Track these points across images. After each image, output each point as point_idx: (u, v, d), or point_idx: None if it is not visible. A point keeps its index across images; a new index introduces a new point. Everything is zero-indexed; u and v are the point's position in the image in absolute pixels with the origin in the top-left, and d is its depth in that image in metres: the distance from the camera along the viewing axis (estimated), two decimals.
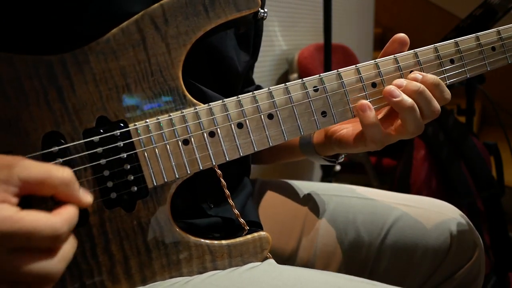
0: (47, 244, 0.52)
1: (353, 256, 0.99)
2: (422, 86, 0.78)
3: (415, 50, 0.84)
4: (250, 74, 1.09)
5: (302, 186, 1.14)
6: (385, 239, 0.97)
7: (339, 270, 0.99)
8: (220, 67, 0.88)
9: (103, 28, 0.70)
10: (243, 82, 1.03)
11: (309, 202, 1.08)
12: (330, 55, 2.19)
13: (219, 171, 0.78)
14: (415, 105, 0.77)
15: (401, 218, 0.98)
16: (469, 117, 2.19)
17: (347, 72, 0.80)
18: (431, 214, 0.98)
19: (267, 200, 1.11)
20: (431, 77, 0.80)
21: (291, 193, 1.12)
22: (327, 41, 2.18)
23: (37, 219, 0.51)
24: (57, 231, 0.53)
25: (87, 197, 0.59)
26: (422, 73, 0.81)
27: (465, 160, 2.01)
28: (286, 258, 1.03)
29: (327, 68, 2.20)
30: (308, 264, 1.02)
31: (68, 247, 0.56)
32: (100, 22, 0.71)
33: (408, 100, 0.77)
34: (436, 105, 0.80)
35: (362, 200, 1.05)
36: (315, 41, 2.63)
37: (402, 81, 0.79)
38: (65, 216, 0.55)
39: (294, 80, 0.78)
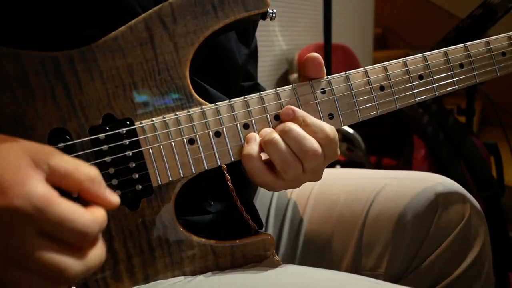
0: (74, 239, 0.51)
1: (338, 237, 0.98)
2: (288, 126, 0.73)
3: (424, 53, 0.84)
4: (249, 68, 1.08)
5: None
6: (368, 214, 0.96)
7: (324, 254, 0.98)
8: (221, 60, 0.88)
9: (111, 25, 0.70)
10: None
11: (293, 192, 1.07)
12: (330, 55, 2.20)
13: (224, 165, 0.78)
14: (275, 139, 0.72)
15: (383, 190, 0.97)
16: (469, 117, 2.19)
17: (355, 75, 0.80)
18: (414, 183, 0.97)
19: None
20: (301, 114, 0.75)
21: None
22: (327, 41, 2.18)
23: (74, 209, 0.51)
24: (88, 227, 0.51)
25: (113, 197, 0.57)
26: (295, 108, 0.75)
27: (465, 160, 2.01)
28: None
29: (327, 68, 2.20)
30: (294, 252, 1.01)
31: (95, 256, 0.54)
32: (108, 19, 0.71)
33: (269, 135, 0.73)
34: (308, 144, 0.73)
35: (344, 180, 1.04)
36: (315, 41, 2.64)
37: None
38: (97, 216, 0.54)
39: (294, 80, 0.78)
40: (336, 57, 2.51)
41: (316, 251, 0.99)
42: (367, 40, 4.28)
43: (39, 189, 0.49)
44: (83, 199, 0.55)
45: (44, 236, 0.49)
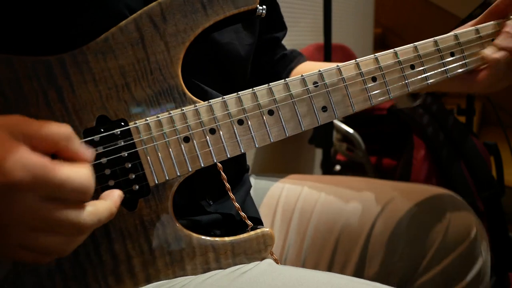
0: (76, 196, 0.53)
1: (342, 245, 0.98)
2: None
3: (415, 43, 0.84)
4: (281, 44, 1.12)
5: (293, 181, 1.14)
6: (374, 225, 0.96)
7: (331, 263, 0.98)
8: (220, 56, 0.88)
9: (101, 27, 0.70)
10: (278, 51, 1.06)
11: (301, 196, 1.07)
12: (330, 55, 2.19)
13: (219, 164, 0.78)
14: None
15: (391, 203, 0.97)
16: (469, 117, 2.19)
17: (347, 67, 0.80)
18: (422, 197, 0.97)
19: (260, 198, 1.11)
20: None
21: (281, 188, 1.12)
22: (327, 41, 2.18)
23: (69, 170, 0.53)
24: (87, 183, 0.54)
25: (89, 151, 0.58)
26: None
27: (465, 160, 2.00)
28: (277, 255, 1.02)
29: None
30: (300, 260, 1.01)
31: (103, 206, 0.58)
32: (96, 23, 0.71)
33: None
34: None
35: (352, 188, 1.04)
36: (315, 41, 2.63)
37: None
38: (88, 170, 0.56)
39: None
40: (336, 57, 2.51)
41: (319, 258, 0.99)
42: (367, 40, 4.28)
43: (33, 158, 0.50)
44: (61, 157, 0.56)
45: (50, 200, 0.52)
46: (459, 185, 1.92)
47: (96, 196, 0.59)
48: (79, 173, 0.53)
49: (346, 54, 2.76)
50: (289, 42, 2.49)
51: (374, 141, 2.41)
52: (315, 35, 2.76)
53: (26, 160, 0.50)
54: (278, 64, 1.09)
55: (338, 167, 2.48)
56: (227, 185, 0.80)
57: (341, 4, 3.39)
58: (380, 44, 5.49)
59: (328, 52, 2.20)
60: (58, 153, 0.56)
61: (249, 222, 0.81)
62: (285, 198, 1.08)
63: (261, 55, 1.05)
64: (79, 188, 0.53)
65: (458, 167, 1.96)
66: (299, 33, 2.66)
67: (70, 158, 0.56)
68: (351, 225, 0.98)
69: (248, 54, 0.94)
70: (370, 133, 2.35)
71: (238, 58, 0.90)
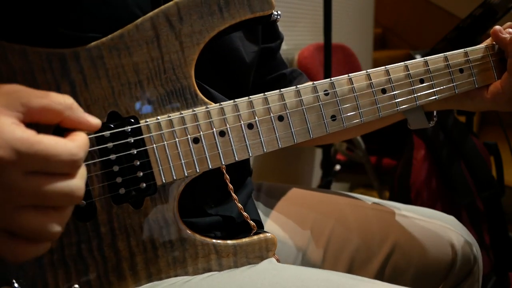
0: (65, 169, 0.51)
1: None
2: None
3: (426, 58, 0.85)
4: (278, 56, 1.10)
5: (309, 194, 1.14)
6: (390, 257, 0.97)
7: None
8: (225, 60, 0.88)
9: (110, 28, 0.70)
10: (275, 66, 1.05)
11: (316, 210, 1.07)
12: (330, 55, 2.20)
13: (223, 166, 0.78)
14: None
15: (399, 242, 0.98)
16: (469, 117, 2.20)
17: (358, 77, 0.81)
18: (433, 237, 0.98)
19: (274, 206, 1.11)
20: None
21: (298, 199, 1.12)
22: (327, 41, 2.19)
23: (55, 143, 0.50)
24: (75, 156, 0.51)
25: (95, 119, 0.57)
26: None
27: (465, 160, 2.01)
28: (291, 263, 1.03)
29: (327, 68, 2.21)
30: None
31: (83, 170, 0.54)
32: (107, 22, 0.71)
33: None
34: None
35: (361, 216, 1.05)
36: (315, 41, 2.64)
37: None
38: (80, 141, 0.54)
39: None
40: (336, 57, 2.51)
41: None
42: (367, 40, 4.28)
43: (16, 133, 0.48)
44: (63, 127, 0.55)
45: (34, 174, 0.49)
46: (459, 185, 1.93)
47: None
48: (68, 146, 0.51)
49: (346, 54, 2.76)
50: (289, 42, 2.51)
51: (374, 141, 2.43)
52: (315, 35, 2.76)
53: (9, 135, 0.47)
54: (277, 84, 1.07)
55: (338, 167, 2.49)
56: (230, 185, 0.80)
57: (341, 4, 3.39)
58: (380, 44, 5.51)
59: (328, 52, 2.20)
60: (62, 124, 0.55)
61: (252, 223, 0.81)
62: (300, 211, 1.09)
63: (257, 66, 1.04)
64: (65, 161, 0.50)
65: (458, 167, 1.97)
66: (299, 33, 2.66)
67: (73, 127, 0.55)
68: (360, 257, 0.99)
69: (253, 62, 0.94)
70: (370, 133, 2.37)
71: (243, 64, 0.91)
